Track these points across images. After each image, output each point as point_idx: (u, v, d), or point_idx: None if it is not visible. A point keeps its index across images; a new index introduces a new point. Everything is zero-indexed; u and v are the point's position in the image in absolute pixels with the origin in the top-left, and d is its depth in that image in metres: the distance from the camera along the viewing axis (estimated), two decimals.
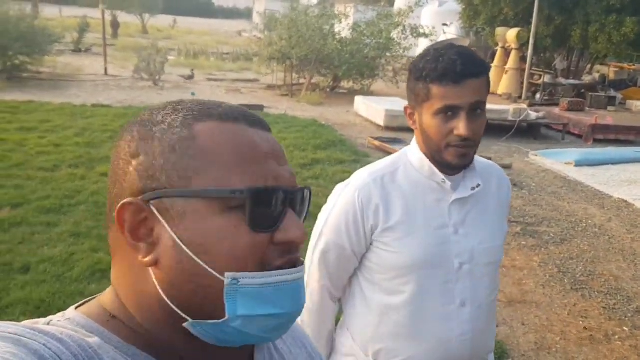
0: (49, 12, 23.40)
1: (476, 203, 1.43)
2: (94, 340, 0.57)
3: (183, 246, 0.59)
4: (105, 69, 14.72)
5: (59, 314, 0.62)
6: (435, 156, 1.37)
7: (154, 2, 39.30)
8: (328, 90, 14.50)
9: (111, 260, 0.66)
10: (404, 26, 14.72)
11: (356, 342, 1.48)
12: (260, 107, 11.03)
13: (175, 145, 0.61)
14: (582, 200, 6.75)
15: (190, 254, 0.59)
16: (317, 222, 1.49)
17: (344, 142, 8.57)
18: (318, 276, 1.47)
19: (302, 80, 14.73)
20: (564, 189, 7.18)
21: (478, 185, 1.40)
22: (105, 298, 0.64)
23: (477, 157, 1.47)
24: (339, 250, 1.43)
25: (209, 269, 0.59)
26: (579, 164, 8.16)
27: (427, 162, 1.40)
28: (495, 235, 1.47)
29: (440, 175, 1.38)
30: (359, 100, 11.57)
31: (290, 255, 0.63)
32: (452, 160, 1.33)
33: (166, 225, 0.60)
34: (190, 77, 14.91)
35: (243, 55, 20.59)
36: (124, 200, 0.61)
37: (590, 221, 5.97)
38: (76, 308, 0.63)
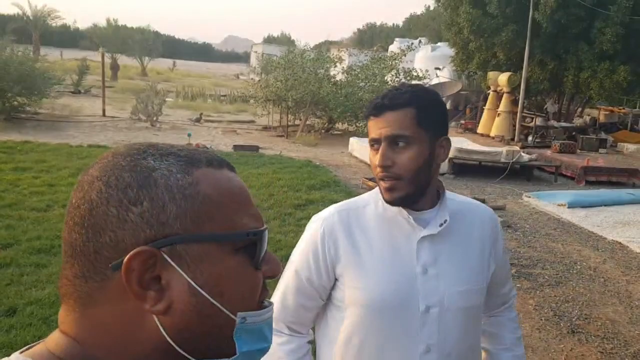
0: (49, 54, 23.75)
1: (450, 241, 1.36)
2: None
3: (200, 290, 0.60)
4: (104, 110, 14.87)
5: (4, 358, 0.59)
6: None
7: (154, 46, 40.03)
8: (323, 131, 14.66)
9: (70, 310, 0.62)
10: (398, 70, 15.01)
11: None
12: (256, 148, 11.10)
13: (184, 192, 0.61)
14: (576, 242, 6.73)
15: (208, 296, 0.61)
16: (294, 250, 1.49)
17: (338, 183, 8.59)
18: (280, 306, 1.43)
19: (297, 122, 14.89)
20: (557, 230, 7.17)
21: (445, 221, 1.34)
22: (53, 343, 0.61)
23: (460, 197, 1.46)
24: (298, 281, 1.41)
25: (226, 311, 0.62)
26: (571, 205, 8.17)
27: None
28: (473, 278, 1.38)
29: (405, 213, 1.34)
30: (353, 141, 11.68)
31: (266, 289, 0.67)
32: (384, 193, 1.32)
33: (180, 271, 0.59)
34: (198, 120, 15.13)
35: (240, 97, 20.87)
36: (137, 249, 0.58)
37: (584, 263, 5.94)
38: (21, 352, 0.60)
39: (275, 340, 1.39)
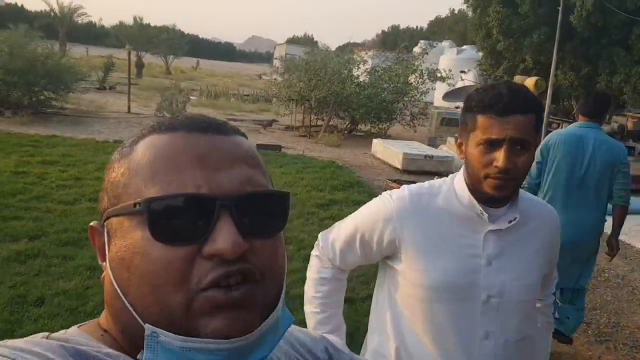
0: (75, 51, 24.11)
1: (516, 238, 1.41)
2: (83, 348, 0.57)
3: (107, 264, 0.59)
4: (129, 107, 15.03)
5: (62, 330, 0.63)
6: (474, 186, 1.37)
7: (179, 45, 40.44)
8: (346, 132, 14.63)
9: None
10: (421, 71, 14.92)
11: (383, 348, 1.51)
12: (278, 147, 11.12)
13: (114, 165, 0.62)
14: (604, 249, 6.59)
15: (111, 275, 0.58)
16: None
17: (361, 184, 8.55)
18: (327, 244, 1.54)
19: (320, 122, 14.88)
20: None
21: (515, 219, 1.38)
22: (102, 316, 0.65)
23: (530, 196, 1.49)
24: (356, 236, 1.49)
25: (126, 302, 0.57)
26: None
27: (467, 194, 1.40)
28: (532, 274, 1.44)
29: (479, 208, 1.38)
30: (376, 142, 11.63)
31: (225, 269, 0.55)
32: (489, 190, 1.33)
33: (106, 245, 0.60)
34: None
35: (263, 96, 20.94)
36: (90, 224, 0.64)
37: (613, 271, 5.83)
38: (78, 326, 0.64)
39: (315, 264, 1.58)
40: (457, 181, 1.45)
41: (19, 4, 77.14)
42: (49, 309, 3.68)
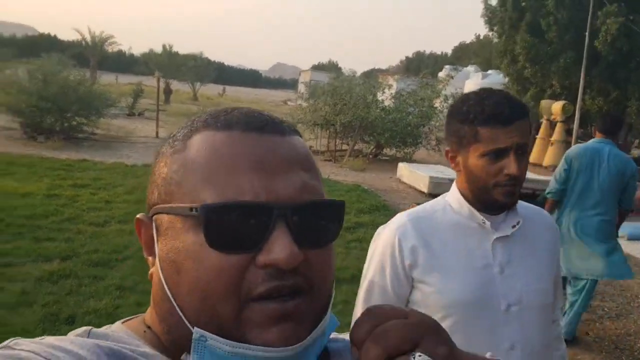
0: (106, 78, 24.77)
1: (522, 242, 1.41)
2: (118, 347, 0.56)
3: (157, 261, 0.58)
4: (157, 132, 15.30)
5: (107, 325, 0.64)
6: (481, 196, 1.37)
7: (205, 72, 41.21)
8: (371, 156, 14.64)
9: None
10: (446, 95, 14.92)
11: None
12: None
13: (166, 159, 0.61)
14: (637, 274, 6.43)
15: (161, 276, 0.57)
16: (365, 265, 1.51)
17: (387, 207, 8.53)
18: None
19: (345, 147, 14.93)
20: None
21: (518, 222, 1.39)
22: (147, 312, 0.65)
23: (522, 202, 1.47)
24: (382, 293, 1.43)
25: (175, 305, 0.56)
26: (631, 237, 7.86)
27: (465, 204, 1.40)
28: (545, 276, 1.44)
29: (480, 216, 1.38)
30: (402, 166, 11.61)
31: (280, 282, 0.54)
32: (500, 198, 1.34)
33: (155, 241, 0.59)
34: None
35: (288, 122, 21.06)
36: (137, 215, 0.63)
37: None
38: (122, 322, 0.64)
39: None
40: (451, 196, 1.45)
41: (52, 34, 79.79)
42: (80, 327, 3.72)
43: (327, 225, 0.58)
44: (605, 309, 5.21)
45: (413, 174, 10.82)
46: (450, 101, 14.89)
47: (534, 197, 10.19)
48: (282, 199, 0.55)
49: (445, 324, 1.35)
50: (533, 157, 16.02)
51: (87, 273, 4.75)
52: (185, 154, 0.59)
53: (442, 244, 1.38)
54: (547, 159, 15.33)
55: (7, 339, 0.53)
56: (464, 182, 1.40)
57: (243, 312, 0.54)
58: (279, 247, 0.53)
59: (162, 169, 0.61)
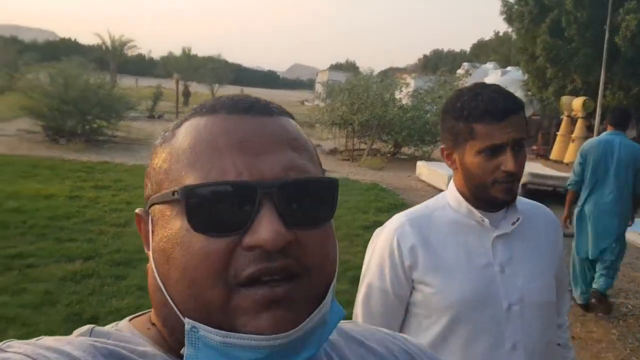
0: (126, 82, 25.07)
1: (522, 239, 1.38)
2: (114, 348, 0.54)
3: (150, 254, 0.57)
4: None
5: (113, 323, 0.63)
6: (479, 194, 1.33)
7: (224, 74, 41.46)
8: (389, 155, 14.59)
9: None
10: None
11: None
12: (322, 171, 11.16)
13: (157, 150, 0.60)
14: None
15: (153, 266, 0.56)
16: (363, 267, 1.48)
17: (406, 206, 8.44)
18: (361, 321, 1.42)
19: (363, 146, 14.91)
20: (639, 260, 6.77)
21: (518, 219, 1.35)
22: (152, 310, 0.64)
23: (521, 198, 1.44)
24: (382, 295, 1.40)
25: (167, 295, 0.54)
26: None
27: (464, 202, 1.37)
28: (546, 274, 1.40)
29: (478, 214, 1.35)
30: (421, 164, 11.56)
31: (268, 264, 0.51)
32: (499, 195, 1.31)
33: (150, 233, 0.58)
34: None
35: (306, 122, 21.16)
36: (136, 210, 0.62)
37: None
38: (129, 320, 0.63)
39: None
40: (449, 194, 1.42)
41: (73, 39, 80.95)
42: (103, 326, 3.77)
43: (319, 203, 0.56)
44: (629, 307, 5.13)
45: (432, 172, 10.76)
46: None
47: (555, 194, 10.05)
48: (267, 178, 0.53)
49: (446, 325, 1.34)
50: (554, 154, 15.82)
51: (109, 273, 4.80)
52: (172, 142, 0.58)
53: (442, 243, 1.36)
54: (568, 155, 15.10)
55: (31, 338, 0.53)
56: (461, 180, 1.38)
57: (232, 300, 0.52)
58: (264, 227, 0.51)
59: (153, 160, 0.60)
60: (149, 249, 0.59)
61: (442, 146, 1.42)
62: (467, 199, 1.37)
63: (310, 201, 0.55)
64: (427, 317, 1.37)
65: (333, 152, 15.00)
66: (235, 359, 0.51)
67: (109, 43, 39.93)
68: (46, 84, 13.76)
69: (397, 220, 1.41)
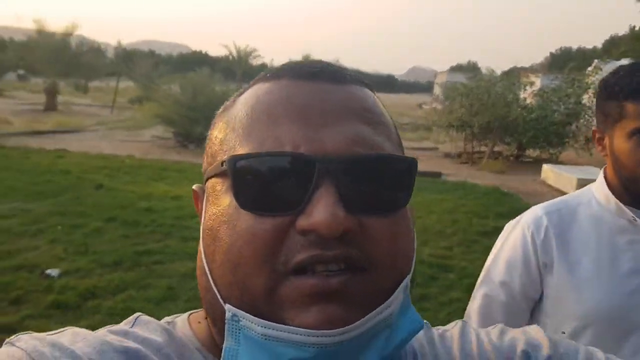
0: None
1: None
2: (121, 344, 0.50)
3: (201, 232, 0.52)
4: None
5: (175, 315, 0.60)
6: (632, 187, 1.15)
7: None
8: (511, 158, 13.88)
9: None
10: (595, 88, 13.62)
11: None
12: (438, 174, 10.88)
13: (216, 120, 0.55)
14: None
15: (201, 246, 0.51)
16: (487, 262, 1.33)
17: None
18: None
19: (482, 149, 14.32)
20: None
21: None
22: None
23: None
24: (508, 294, 1.24)
25: (210, 279, 0.49)
26: None
27: (612, 198, 1.18)
28: None
29: (629, 213, 1.16)
30: (547, 168, 10.86)
31: (322, 251, 0.44)
32: None
33: (203, 211, 0.53)
34: None
35: (422, 125, 20.79)
36: (193, 187, 0.58)
37: None
38: (190, 314, 0.60)
39: None
40: (597, 188, 1.23)
41: (204, 51, 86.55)
42: None
43: (390, 187, 0.48)
44: None
45: (559, 176, 10.05)
46: None
47: None
48: (329, 152, 0.46)
49: (579, 339, 1.16)
50: None
51: None
52: (230, 111, 0.53)
53: (583, 243, 1.19)
54: None
55: None
56: (612, 170, 1.20)
57: (280, 288, 0.45)
58: (320, 209, 0.43)
59: (212, 131, 0.56)
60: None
61: (593, 128, 1.26)
62: (617, 194, 1.19)
63: (380, 183, 0.47)
64: (554, 328, 1.21)
65: (450, 155, 14.57)
66: (279, 356, 0.44)
67: (235, 54, 42.17)
68: (177, 94, 14.79)
69: (532, 212, 1.27)
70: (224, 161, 0.48)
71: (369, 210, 0.46)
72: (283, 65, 0.54)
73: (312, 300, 0.44)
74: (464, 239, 6.33)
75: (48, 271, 4.63)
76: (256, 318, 0.45)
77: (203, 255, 0.51)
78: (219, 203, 0.49)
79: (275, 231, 0.45)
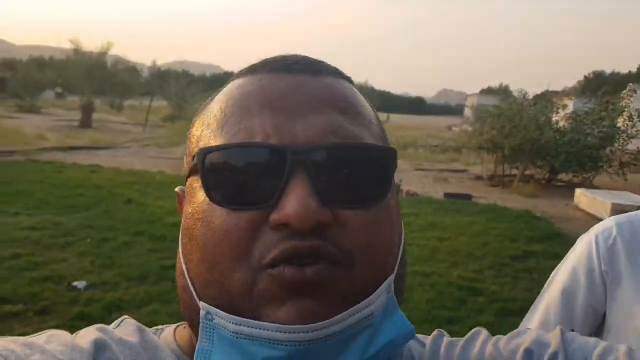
0: None
1: None
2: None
3: (180, 236, 0.50)
4: None
5: (166, 325, 0.59)
6: None
7: (371, 100, 42.34)
8: (543, 182, 13.61)
9: None
10: (631, 113, 13.27)
11: None
12: (468, 197, 10.71)
13: (195, 119, 0.54)
14: None
15: (179, 247, 0.49)
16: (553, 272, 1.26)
17: (562, 236, 7.76)
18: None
19: (513, 171, 14.09)
20: None
21: None
22: None
23: None
24: (567, 300, 1.17)
25: (187, 278, 0.47)
26: None
27: None
28: None
29: None
30: (580, 192, 10.60)
31: (296, 242, 0.41)
32: None
33: (183, 210, 0.52)
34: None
35: (452, 147, 20.64)
36: (175, 189, 0.57)
37: None
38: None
39: None
40: None
41: (235, 71, 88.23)
42: None
43: (369, 177, 0.45)
44: None
45: (593, 201, 9.79)
46: (635, 119, 13.25)
47: None
48: (301, 141, 0.44)
49: None
50: None
51: None
52: (207, 108, 0.52)
53: None
54: None
55: None
56: None
57: (257, 284, 0.43)
58: (291, 201, 0.41)
59: (190, 130, 0.54)
60: None
61: None
62: None
63: (357, 174, 0.45)
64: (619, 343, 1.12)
65: (480, 177, 14.37)
66: (252, 356, 0.42)
67: None
68: None
69: (604, 223, 1.20)
70: (194, 155, 0.46)
71: (345, 202, 0.44)
72: (260, 60, 0.53)
73: (288, 294, 0.42)
74: (494, 263, 6.17)
75: (74, 283, 4.67)
76: (228, 315, 0.43)
77: (181, 256, 0.49)
78: (194, 201, 0.47)
79: (249, 226, 0.43)
